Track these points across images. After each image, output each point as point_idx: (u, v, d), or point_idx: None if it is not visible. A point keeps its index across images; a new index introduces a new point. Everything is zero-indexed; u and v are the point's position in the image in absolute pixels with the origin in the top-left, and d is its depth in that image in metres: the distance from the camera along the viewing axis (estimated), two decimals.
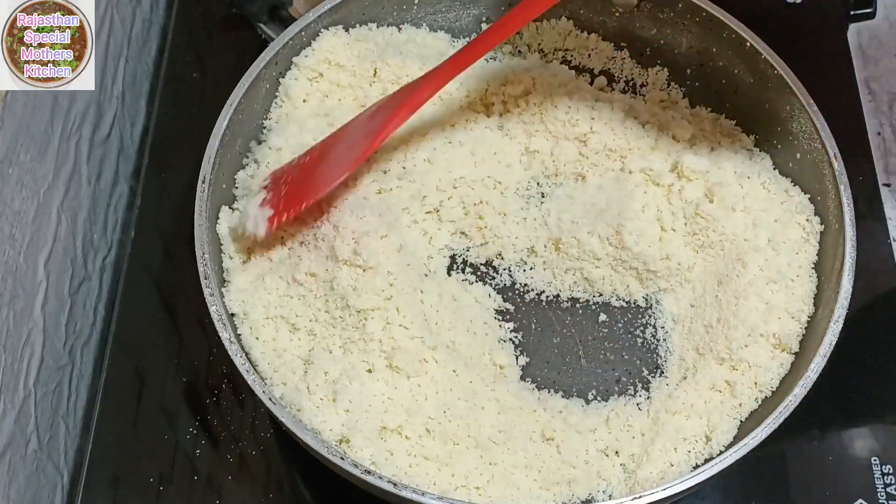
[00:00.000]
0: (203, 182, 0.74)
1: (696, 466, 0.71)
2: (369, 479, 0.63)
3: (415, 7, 0.89)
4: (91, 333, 0.92)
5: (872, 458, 0.79)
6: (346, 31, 0.86)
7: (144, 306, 0.87)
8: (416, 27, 0.90)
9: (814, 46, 0.99)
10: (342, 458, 0.64)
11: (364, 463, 0.66)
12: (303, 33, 0.83)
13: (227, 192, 0.80)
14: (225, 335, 0.68)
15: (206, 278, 0.70)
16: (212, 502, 0.79)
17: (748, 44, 0.82)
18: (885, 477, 0.78)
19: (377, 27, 0.88)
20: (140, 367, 0.84)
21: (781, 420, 0.66)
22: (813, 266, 0.77)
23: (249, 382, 0.67)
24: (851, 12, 1.01)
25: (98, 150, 0.93)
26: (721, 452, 0.71)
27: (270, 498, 0.79)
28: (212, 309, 0.69)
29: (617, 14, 0.89)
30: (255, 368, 0.69)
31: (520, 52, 0.92)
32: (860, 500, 0.78)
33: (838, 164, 0.76)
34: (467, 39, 0.91)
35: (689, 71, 0.89)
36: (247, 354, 0.71)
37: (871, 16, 1.01)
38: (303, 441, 0.65)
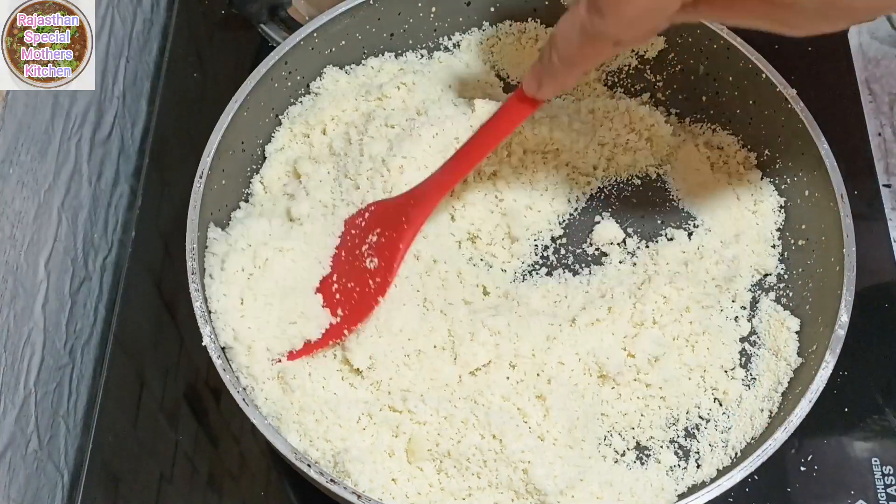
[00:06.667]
0: (200, 177, 0.74)
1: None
2: (334, 488, 0.63)
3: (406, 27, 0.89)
4: (91, 333, 0.92)
5: (872, 459, 0.79)
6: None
7: (144, 306, 0.87)
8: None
9: (814, 47, 0.99)
10: (308, 466, 0.64)
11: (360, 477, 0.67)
12: (315, 34, 0.83)
13: (227, 189, 0.79)
14: (206, 330, 0.69)
15: (192, 273, 0.70)
16: (212, 502, 0.79)
17: (722, 40, 0.82)
18: (886, 477, 0.78)
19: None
20: (140, 367, 0.84)
21: (798, 423, 0.67)
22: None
23: (226, 382, 0.67)
24: None
25: (99, 150, 0.93)
26: (737, 455, 0.72)
27: (270, 498, 0.79)
28: (195, 305, 0.69)
29: None
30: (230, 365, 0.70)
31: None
32: (860, 501, 0.78)
33: (830, 162, 0.76)
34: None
35: (664, 75, 0.89)
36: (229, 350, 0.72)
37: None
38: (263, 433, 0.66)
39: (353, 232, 0.76)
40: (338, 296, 0.73)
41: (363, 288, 0.73)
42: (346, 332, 0.71)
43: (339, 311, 0.72)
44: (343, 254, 0.76)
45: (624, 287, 0.76)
